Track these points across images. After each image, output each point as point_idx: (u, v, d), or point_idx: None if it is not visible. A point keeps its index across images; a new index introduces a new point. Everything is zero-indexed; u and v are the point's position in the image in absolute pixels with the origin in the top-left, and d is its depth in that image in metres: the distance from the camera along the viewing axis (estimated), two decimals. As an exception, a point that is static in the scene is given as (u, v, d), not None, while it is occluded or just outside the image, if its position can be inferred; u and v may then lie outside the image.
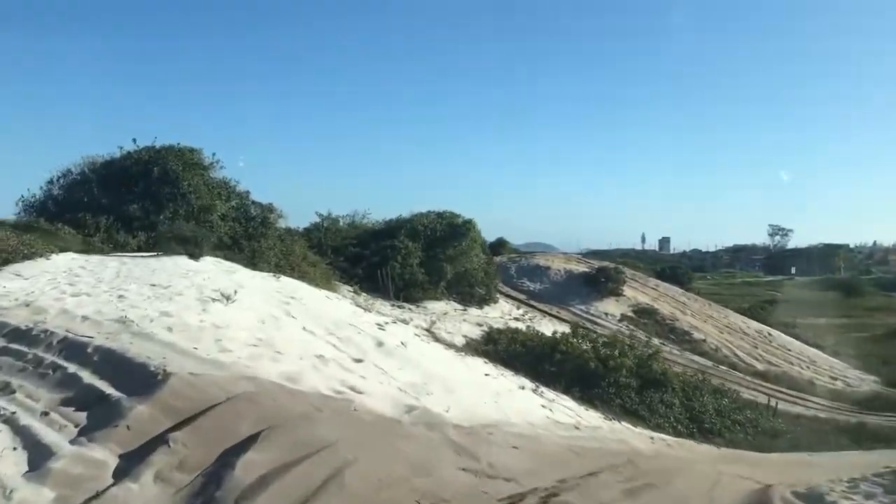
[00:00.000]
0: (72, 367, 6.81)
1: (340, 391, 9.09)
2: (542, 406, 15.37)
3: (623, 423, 17.81)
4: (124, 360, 6.96)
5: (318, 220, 36.82)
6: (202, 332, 9.46)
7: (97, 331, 8.41)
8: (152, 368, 6.72)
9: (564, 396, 18.03)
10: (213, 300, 11.66)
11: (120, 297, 11.45)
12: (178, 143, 28.08)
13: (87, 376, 6.64)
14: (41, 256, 14.67)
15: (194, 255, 16.66)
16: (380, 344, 13.11)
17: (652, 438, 16.91)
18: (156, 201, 27.02)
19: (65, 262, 14.73)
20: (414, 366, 12.60)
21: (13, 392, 6.30)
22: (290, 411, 6.69)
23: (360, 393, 9.41)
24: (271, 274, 17.98)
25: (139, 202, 26.84)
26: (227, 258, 19.40)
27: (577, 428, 14.61)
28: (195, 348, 8.54)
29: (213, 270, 15.81)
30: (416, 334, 16.86)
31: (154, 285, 12.87)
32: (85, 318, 9.06)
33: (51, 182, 26.62)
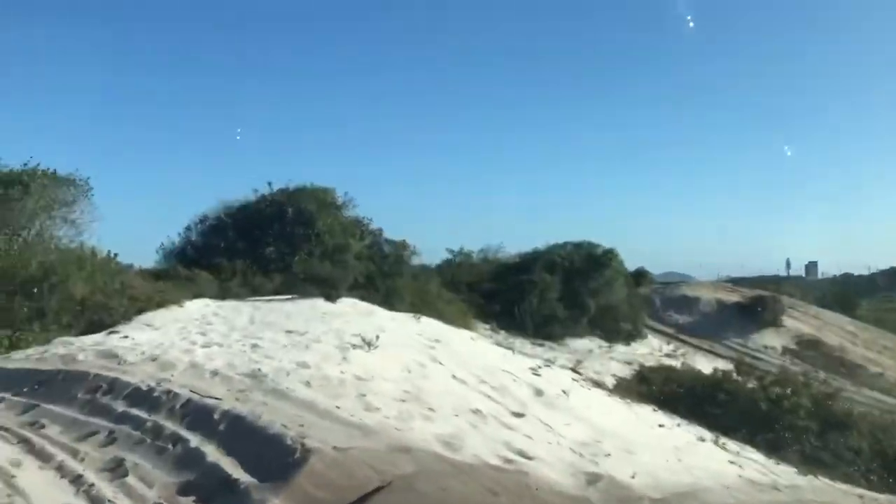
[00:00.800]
0: (195, 440, 5.55)
1: (508, 458, 7.42)
2: (730, 462, 12.95)
3: (821, 478, 14.98)
4: (255, 430, 5.63)
5: (449, 255, 35.87)
6: (344, 387, 8.13)
7: (227, 388, 7.24)
8: (289, 442, 5.33)
9: (748, 447, 15.45)
10: (354, 346, 10.40)
11: (254, 346, 10.44)
12: (311, 184, 27.91)
13: (211, 452, 5.34)
14: (175, 304, 14.12)
15: (330, 297, 15.71)
16: (539, 393, 11.36)
17: (861, 497, 14.03)
18: (290, 243, 26.79)
19: (198, 308, 14.11)
20: (581, 419, 10.73)
21: (125, 474, 5.09)
22: (461, 501, 5.10)
23: (531, 459, 7.69)
24: (411, 314, 16.71)
25: (274, 244, 26.72)
26: (362, 298, 18.44)
27: (776, 489, 12.12)
28: (337, 407, 7.18)
29: (351, 313, 14.73)
30: (573, 378, 14.96)
31: (290, 332, 11.85)
32: (215, 373, 7.96)
33: (188, 228, 27.08)
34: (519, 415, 9.63)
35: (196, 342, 10.50)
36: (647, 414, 14.39)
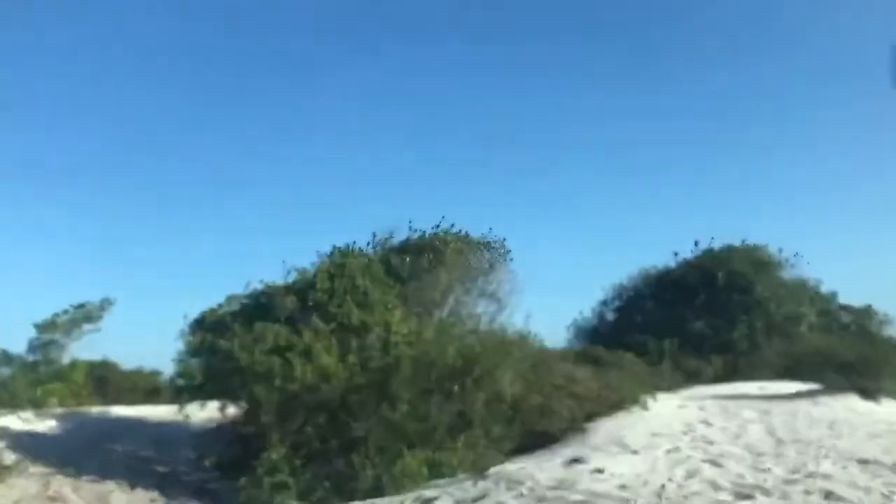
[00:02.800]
0: None
1: None
2: None
3: None
4: None
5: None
6: None
7: None
8: None
9: None
10: None
11: (827, 495, 5.42)
12: (745, 241, 22.31)
13: None
14: (636, 405, 9.80)
15: (869, 393, 9.88)
16: None
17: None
18: (723, 314, 21.37)
19: (672, 413, 9.52)
20: None
21: None
22: None
23: None
24: None
25: (703, 317, 21.55)
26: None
27: None
28: None
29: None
30: None
31: (865, 461, 6.55)
32: None
33: (604, 303, 23.32)
34: None
35: (718, 483, 5.84)
36: None
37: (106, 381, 19.52)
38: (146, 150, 48.20)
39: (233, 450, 9.80)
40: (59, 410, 15.02)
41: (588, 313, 23.24)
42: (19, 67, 42.61)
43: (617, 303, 24.24)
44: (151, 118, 48.12)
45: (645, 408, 9.82)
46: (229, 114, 51.12)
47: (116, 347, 21.76)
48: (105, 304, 17.64)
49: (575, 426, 9.13)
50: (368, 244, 11.88)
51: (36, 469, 9.91)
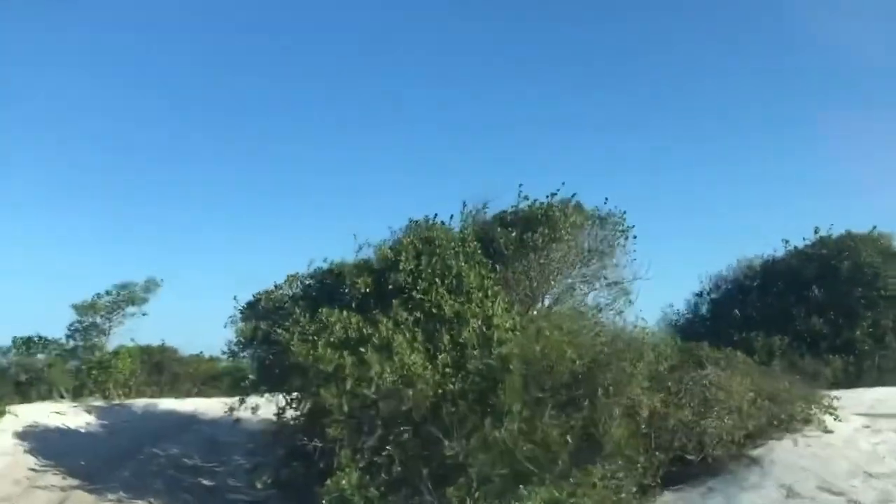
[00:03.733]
0: None
1: None
2: None
3: None
4: None
5: None
6: None
7: None
8: None
9: None
10: None
11: None
12: (876, 229, 19.41)
13: None
14: (808, 423, 7.53)
15: None
16: None
17: None
18: (844, 310, 18.57)
19: (861, 436, 7.19)
20: None
21: None
22: None
23: None
24: None
25: (819, 313, 18.78)
26: None
27: None
28: None
29: None
30: None
31: None
32: None
33: (699, 294, 20.75)
34: None
35: None
36: None
37: (161, 367, 17.96)
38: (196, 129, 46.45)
39: (292, 466, 7.90)
40: (100, 403, 13.47)
41: (681, 306, 20.68)
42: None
43: (712, 295, 21.59)
44: (209, 96, 46.58)
45: (825, 429, 7.51)
46: (280, 91, 48.83)
47: (164, 334, 20.03)
48: (151, 284, 16.06)
49: (737, 452, 6.95)
50: (453, 217, 9.65)
51: (56, 478, 8.24)
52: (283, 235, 44.63)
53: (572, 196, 9.66)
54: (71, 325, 15.57)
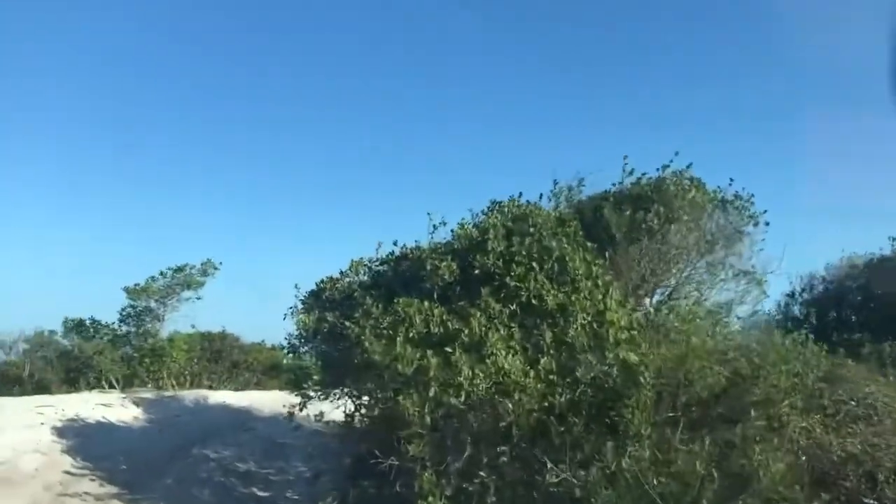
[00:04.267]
0: None
1: None
2: None
3: None
4: None
5: None
6: None
7: None
8: None
9: None
10: None
11: None
12: None
13: None
14: None
15: None
16: None
17: None
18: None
19: None
20: None
21: None
22: None
23: None
24: None
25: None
26: None
27: None
28: None
29: None
30: None
31: None
32: None
33: (790, 295, 18.95)
34: None
35: None
36: None
37: (220, 355, 17.14)
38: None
39: (362, 486, 6.72)
40: (149, 395, 12.60)
41: (772, 307, 18.86)
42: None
43: (805, 295, 19.67)
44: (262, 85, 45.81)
45: None
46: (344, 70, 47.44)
47: (221, 319, 19.17)
48: (208, 267, 15.13)
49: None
50: (542, 197, 8.28)
51: (93, 485, 7.25)
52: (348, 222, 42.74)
53: (688, 166, 8.21)
54: (123, 309, 14.82)
